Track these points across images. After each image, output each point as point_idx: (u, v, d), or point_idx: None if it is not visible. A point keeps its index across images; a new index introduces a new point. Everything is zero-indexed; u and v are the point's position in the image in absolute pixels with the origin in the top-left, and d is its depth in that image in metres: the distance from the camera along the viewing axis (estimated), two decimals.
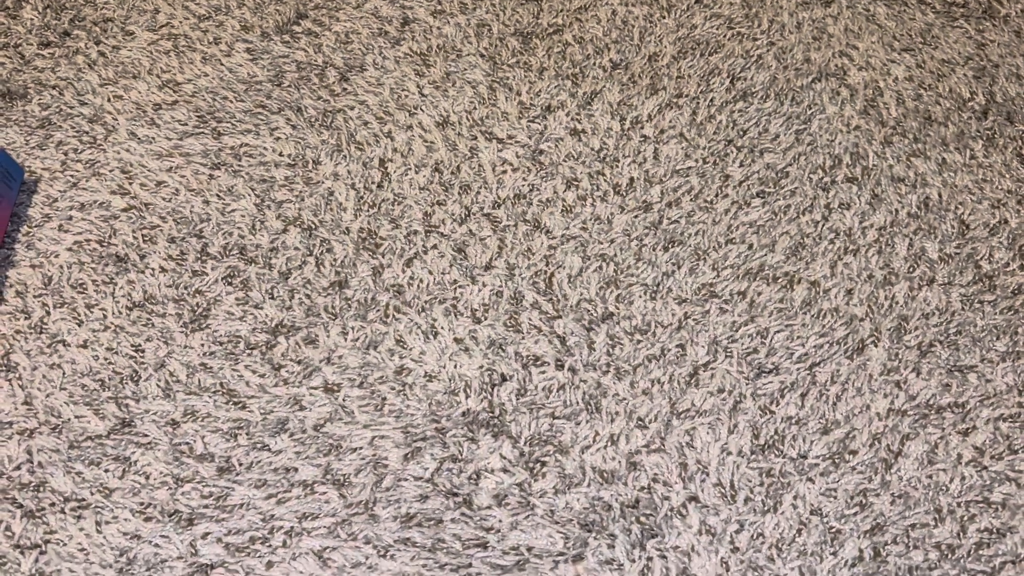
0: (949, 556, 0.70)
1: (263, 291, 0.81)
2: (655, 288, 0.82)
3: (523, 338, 0.79)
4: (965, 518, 0.72)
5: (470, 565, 0.69)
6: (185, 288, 0.81)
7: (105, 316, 0.79)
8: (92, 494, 0.71)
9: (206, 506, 0.71)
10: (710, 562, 0.70)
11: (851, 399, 0.77)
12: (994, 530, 0.72)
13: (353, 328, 0.79)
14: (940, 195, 0.89)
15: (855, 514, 0.72)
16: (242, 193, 0.86)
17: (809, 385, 0.77)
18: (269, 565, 0.68)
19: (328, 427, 0.74)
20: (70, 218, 0.85)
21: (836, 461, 0.74)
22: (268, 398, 0.76)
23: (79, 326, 0.79)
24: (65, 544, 0.69)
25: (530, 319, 0.80)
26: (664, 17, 1.01)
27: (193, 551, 0.69)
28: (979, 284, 0.83)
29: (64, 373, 0.76)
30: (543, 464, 0.73)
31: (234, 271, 0.82)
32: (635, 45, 0.98)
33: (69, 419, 0.74)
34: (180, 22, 0.99)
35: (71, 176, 0.87)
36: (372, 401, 0.76)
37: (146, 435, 0.74)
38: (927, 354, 0.79)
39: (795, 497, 0.72)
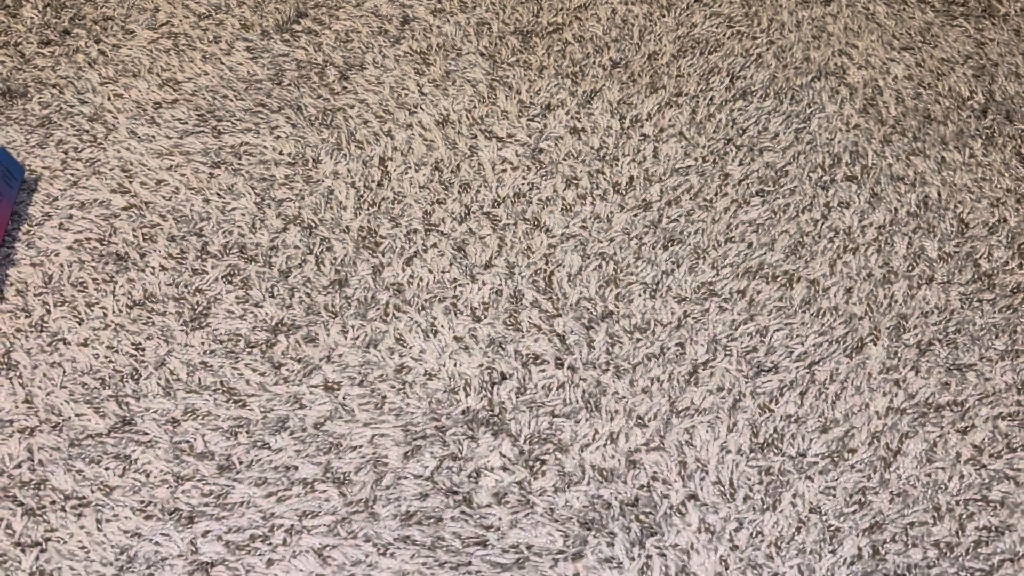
0: (948, 554, 0.70)
1: (263, 290, 0.81)
2: (655, 287, 0.82)
3: (523, 336, 0.79)
4: (964, 516, 0.72)
5: (470, 563, 0.69)
6: (185, 286, 0.81)
7: (105, 314, 0.79)
8: (93, 492, 0.71)
9: (206, 504, 0.71)
10: (709, 560, 0.70)
11: (850, 397, 0.77)
12: (993, 528, 0.72)
13: (353, 326, 0.79)
14: (939, 194, 0.89)
15: (854, 512, 0.72)
16: (242, 192, 0.87)
17: (808, 383, 0.78)
18: (269, 563, 0.69)
19: (328, 425, 0.75)
20: (70, 217, 0.85)
21: (835, 459, 0.74)
22: (268, 396, 0.76)
23: (79, 324, 0.79)
24: (66, 542, 0.69)
25: (530, 317, 0.80)
26: (664, 16, 1.01)
27: (193, 549, 0.69)
28: (978, 283, 0.83)
29: (65, 371, 0.76)
30: (543, 462, 0.73)
31: (234, 270, 0.82)
32: (635, 44, 0.99)
33: (70, 417, 0.74)
34: (180, 20, 0.99)
35: (71, 175, 0.87)
36: (372, 399, 0.76)
37: (146, 433, 0.74)
38: (926, 353, 0.80)
39: (794, 495, 0.72)
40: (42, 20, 0.98)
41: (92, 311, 0.79)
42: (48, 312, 0.79)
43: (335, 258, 0.83)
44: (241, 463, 0.73)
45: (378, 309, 0.80)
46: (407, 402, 0.76)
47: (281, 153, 0.89)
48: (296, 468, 0.73)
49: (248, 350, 0.78)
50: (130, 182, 0.87)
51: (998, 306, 0.82)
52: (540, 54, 0.97)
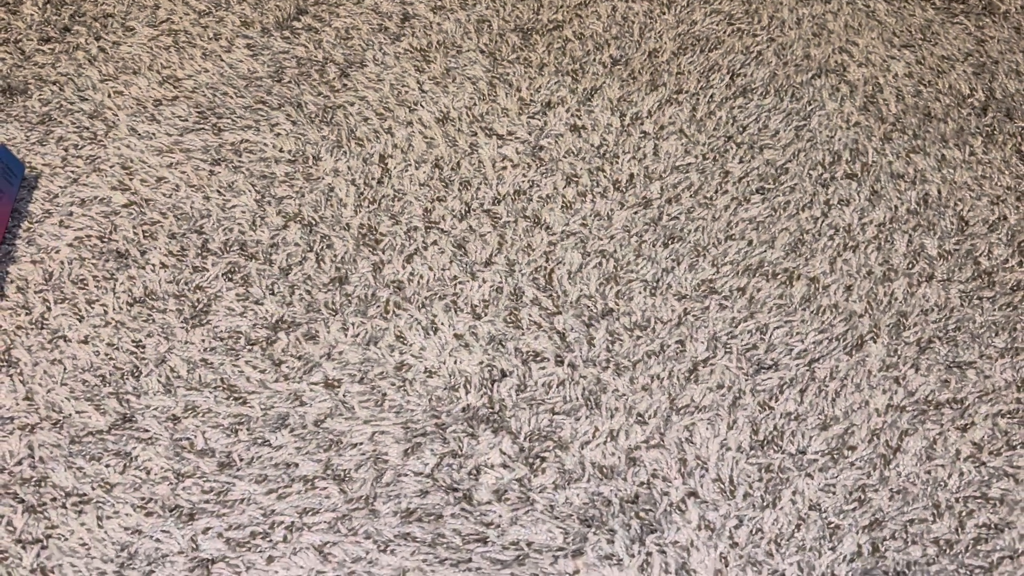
0: (947, 551, 0.71)
1: (263, 287, 0.81)
2: (655, 284, 0.82)
3: (523, 334, 0.79)
4: (963, 514, 0.72)
5: (470, 560, 0.69)
6: (186, 284, 0.81)
7: (106, 312, 0.79)
8: (93, 489, 0.71)
9: (207, 501, 0.71)
10: (709, 557, 0.70)
11: (850, 395, 0.77)
12: (992, 525, 0.72)
13: (353, 324, 0.79)
14: (939, 191, 0.89)
15: (854, 509, 0.72)
16: (242, 189, 0.87)
17: (808, 381, 0.78)
18: (270, 560, 0.69)
19: (328, 423, 0.75)
20: (71, 214, 0.85)
21: (835, 457, 0.74)
22: (268, 394, 0.76)
23: (80, 322, 0.79)
24: (66, 539, 0.69)
25: (530, 315, 0.80)
26: (664, 13, 1.01)
27: (194, 546, 0.69)
28: (978, 280, 0.83)
29: (65, 369, 0.76)
30: (543, 459, 0.73)
31: (234, 267, 0.82)
32: (635, 41, 0.98)
33: (70, 414, 0.74)
34: (180, 18, 0.98)
35: (72, 172, 0.87)
36: (372, 397, 0.76)
37: (147, 430, 0.74)
38: (926, 350, 0.80)
39: (794, 493, 0.73)
40: (42, 17, 0.98)
41: (92, 308, 0.79)
42: (49, 309, 0.79)
43: (335, 255, 0.83)
44: (241, 460, 0.73)
45: (378, 306, 0.80)
46: (407, 399, 0.76)
47: (281, 150, 0.89)
48: (296, 465, 0.73)
49: (248, 347, 0.78)
50: (130, 179, 0.87)
51: (998, 304, 0.82)
52: (540, 51, 0.97)
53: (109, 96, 0.92)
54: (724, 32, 0.99)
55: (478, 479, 0.73)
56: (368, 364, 0.78)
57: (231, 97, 0.93)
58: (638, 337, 0.79)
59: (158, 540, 0.69)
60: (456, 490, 0.72)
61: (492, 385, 0.77)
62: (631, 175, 0.89)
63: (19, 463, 0.72)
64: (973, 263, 0.84)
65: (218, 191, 0.86)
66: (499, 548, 0.70)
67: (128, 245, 0.83)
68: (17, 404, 0.75)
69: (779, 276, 0.83)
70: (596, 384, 0.77)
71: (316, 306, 0.80)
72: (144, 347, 0.78)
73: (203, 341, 0.78)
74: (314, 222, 0.85)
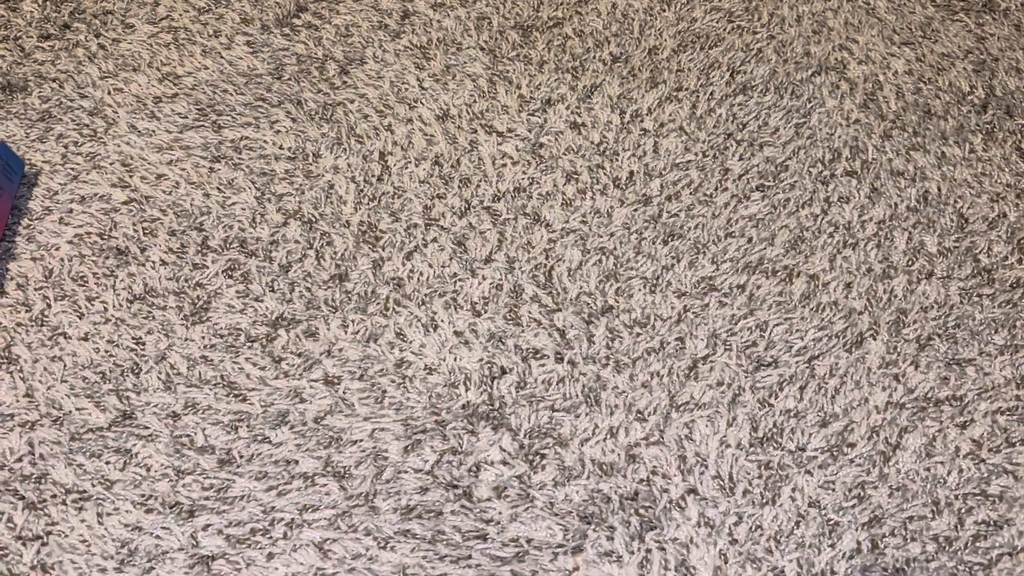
0: (946, 548, 0.71)
1: (263, 284, 0.81)
2: (654, 281, 0.82)
3: (523, 331, 0.79)
4: (963, 510, 0.72)
5: (470, 557, 0.69)
6: (186, 281, 0.81)
7: (106, 309, 0.79)
8: (93, 486, 0.71)
9: (207, 498, 0.71)
10: (708, 554, 0.70)
11: (850, 392, 0.77)
12: (991, 522, 0.72)
13: (353, 321, 0.79)
14: (939, 189, 0.89)
15: (853, 506, 0.72)
16: (242, 186, 0.87)
17: (808, 378, 0.78)
18: (270, 557, 0.69)
19: (328, 419, 0.75)
20: (71, 211, 0.85)
21: (834, 454, 0.74)
22: (268, 391, 0.76)
23: (80, 319, 0.79)
24: (67, 535, 0.69)
25: (530, 312, 0.80)
26: (664, 10, 1.01)
27: (194, 543, 0.69)
28: (978, 278, 0.84)
29: (65, 365, 0.77)
30: (542, 456, 0.74)
31: (234, 264, 0.82)
32: (635, 38, 0.98)
33: (70, 411, 0.74)
34: (180, 15, 0.98)
35: (71, 169, 0.87)
36: (372, 394, 0.76)
37: (147, 427, 0.74)
38: (926, 347, 0.80)
39: (793, 489, 0.73)
40: (42, 14, 0.98)
41: (92, 305, 0.80)
42: (49, 306, 0.79)
43: (335, 253, 0.83)
44: (241, 457, 0.73)
45: (378, 304, 0.81)
46: (407, 396, 0.76)
47: (281, 148, 0.89)
48: (296, 462, 0.73)
49: (248, 344, 0.78)
50: (130, 176, 0.87)
51: (997, 301, 0.82)
52: (540, 49, 0.97)
53: (109, 93, 0.92)
54: (724, 29, 0.99)
55: (478, 476, 0.73)
56: (368, 361, 0.78)
57: (231, 94, 0.93)
58: (638, 334, 0.80)
59: (158, 537, 0.69)
60: (456, 487, 0.72)
61: (492, 382, 0.77)
62: (631, 172, 0.89)
63: (19, 460, 0.72)
64: (973, 260, 0.84)
65: (218, 188, 0.86)
66: (499, 545, 0.70)
67: (128, 242, 0.83)
68: (17, 401, 0.75)
69: (779, 273, 0.83)
70: (596, 381, 0.77)
71: (316, 303, 0.80)
72: (144, 344, 0.78)
73: (203, 338, 0.78)
74: (314, 219, 0.85)
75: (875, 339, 0.80)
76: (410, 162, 0.89)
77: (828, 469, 0.74)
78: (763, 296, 0.82)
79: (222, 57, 0.95)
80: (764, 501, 0.72)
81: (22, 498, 0.71)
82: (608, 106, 0.93)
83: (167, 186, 0.86)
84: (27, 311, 0.79)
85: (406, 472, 0.73)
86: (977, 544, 0.71)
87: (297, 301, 0.80)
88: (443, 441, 0.74)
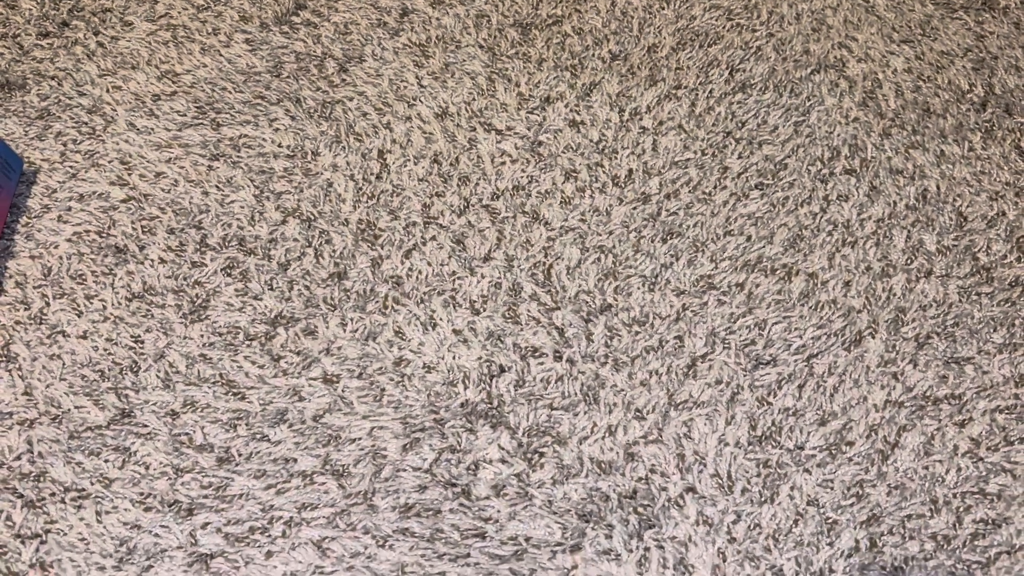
0: (945, 547, 0.71)
1: (262, 282, 0.81)
2: (653, 280, 0.82)
3: (521, 329, 0.79)
4: (961, 509, 0.72)
5: (468, 555, 0.69)
6: (184, 279, 0.81)
7: (105, 307, 0.79)
8: (92, 484, 0.71)
9: (206, 496, 0.71)
10: (707, 552, 0.70)
11: (848, 390, 0.77)
12: (989, 521, 0.72)
13: (352, 319, 0.79)
14: (938, 187, 0.89)
15: (852, 505, 0.72)
16: (241, 184, 0.87)
17: (807, 376, 0.78)
18: (268, 555, 0.69)
19: (327, 418, 0.75)
20: (69, 209, 0.85)
21: (833, 452, 0.74)
22: (267, 389, 0.76)
23: (79, 317, 0.79)
24: (65, 534, 0.69)
25: (528, 310, 0.80)
26: (663, 8, 1.01)
27: (193, 541, 0.69)
28: (976, 276, 0.84)
29: (64, 364, 0.77)
30: (541, 455, 0.74)
31: (233, 262, 0.82)
32: (634, 36, 0.98)
33: (69, 409, 0.74)
34: (179, 12, 0.98)
35: (70, 167, 0.87)
36: (371, 392, 0.76)
37: (146, 425, 0.74)
38: (924, 346, 0.80)
39: (792, 488, 0.73)
40: (40, 12, 0.98)
41: (91, 303, 0.79)
42: (47, 304, 0.79)
43: (334, 251, 0.83)
44: (240, 455, 0.73)
45: (377, 302, 0.81)
46: (406, 395, 0.76)
47: (280, 146, 0.89)
48: (295, 460, 0.73)
49: (247, 342, 0.78)
50: (129, 174, 0.87)
51: (996, 299, 0.82)
52: (539, 46, 0.97)
53: (108, 91, 0.92)
54: (723, 27, 0.99)
55: (476, 474, 0.73)
56: (367, 359, 0.78)
57: (230, 92, 0.92)
58: (636, 333, 0.80)
59: (157, 535, 0.69)
60: (455, 485, 0.72)
61: (491, 380, 0.77)
62: (630, 171, 0.89)
63: (18, 458, 0.72)
64: (972, 259, 0.84)
65: (217, 186, 0.86)
66: (497, 543, 0.70)
67: (127, 240, 0.83)
68: (16, 399, 0.75)
69: (778, 272, 0.83)
70: (594, 379, 0.77)
71: (315, 301, 0.80)
72: (143, 342, 0.78)
73: (202, 336, 0.78)
74: (313, 217, 0.85)
75: (874, 337, 0.80)
76: (409, 160, 0.89)
77: (827, 467, 0.74)
78: (762, 294, 0.82)
79: (221, 55, 0.95)
80: (762, 499, 0.72)
81: (21, 496, 0.71)
82: (607, 104, 0.93)
83: (166, 184, 0.86)
84: (26, 309, 0.79)
85: (405, 470, 0.73)
86: (975, 542, 0.71)
87: (296, 299, 0.80)
88: (442, 439, 0.74)
